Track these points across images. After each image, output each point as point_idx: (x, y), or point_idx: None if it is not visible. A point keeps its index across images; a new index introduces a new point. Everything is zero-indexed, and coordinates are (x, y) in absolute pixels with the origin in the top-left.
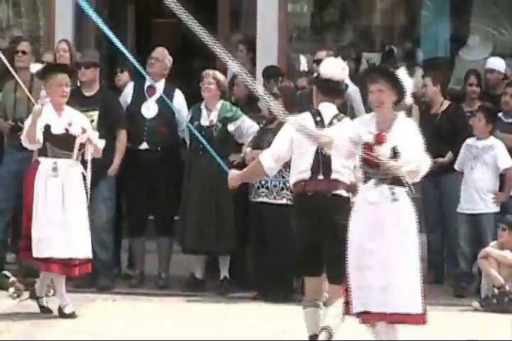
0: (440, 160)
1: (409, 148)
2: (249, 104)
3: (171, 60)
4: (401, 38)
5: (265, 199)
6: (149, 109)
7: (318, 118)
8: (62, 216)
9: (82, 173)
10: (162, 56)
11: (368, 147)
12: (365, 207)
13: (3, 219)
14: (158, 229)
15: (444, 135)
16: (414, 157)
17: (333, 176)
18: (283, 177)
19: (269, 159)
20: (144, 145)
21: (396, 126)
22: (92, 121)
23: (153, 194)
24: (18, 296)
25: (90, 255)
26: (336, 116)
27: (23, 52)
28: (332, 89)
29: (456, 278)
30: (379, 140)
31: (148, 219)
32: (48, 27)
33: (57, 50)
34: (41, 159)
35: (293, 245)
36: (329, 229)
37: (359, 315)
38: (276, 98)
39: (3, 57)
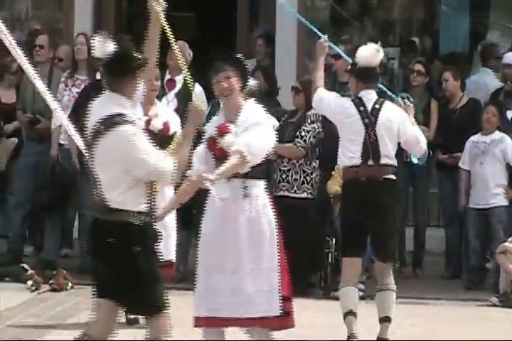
0: (459, 155)
1: (237, 140)
2: (267, 97)
3: (191, 53)
4: (420, 33)
5: (286, 193)
6: (169, 103)
7: (361, 107)
8: None
9: None
10: (182, 50)
11: (211, 141)
12: (216, 205)
13: (21, 211)
14: (178, 223)
15: (463, 129)
16: (239, 149)
17: (383, 161)
18: (304, 171)
19: None
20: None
21: (243, 114)
22: None
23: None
24: (36, 289)
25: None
26: (376, 102)
27: (41, 47)
28: (371, 76)
29: (467, 272)
30: (221, 131)
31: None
32: (67, 19)
33: (75, 43)
34: None
35: (312, 239)
36: (380, 211)
37: (207, 319)
38: (298, 92)
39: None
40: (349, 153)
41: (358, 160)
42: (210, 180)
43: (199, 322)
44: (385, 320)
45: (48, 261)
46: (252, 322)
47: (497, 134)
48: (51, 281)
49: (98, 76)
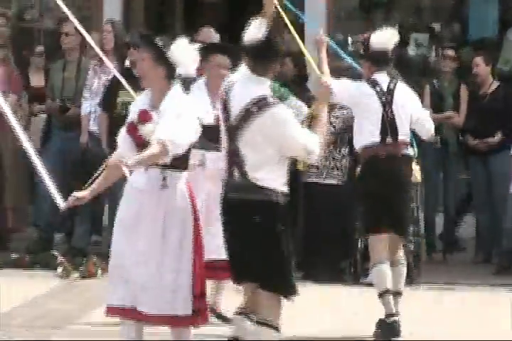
0: (490, 140)
1: (158, 128)
2: (297, 84)
3: (218, 38)
4: (449, 19)
5: (315, 180)
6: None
7: (377, 87)
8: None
9: None
10: (208, 38)
11: (131, 126)
12: (132, 195)
13: (51, 199)
14: None
15: (494, 115)
16: (160, 137)
17: (400, 138)
18: (333, 157)
19: None
20: None
21: (166, 102)
22: None
23: None
24: (66, 276)
25: None
26: (390, 82)
27: (67, 34)
28: (384, 60)
29: (498, 256)
30: (143, 118)
31: None
32: (96, 7)
33: (102, 31)
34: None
35: (342, 225)
36: (401, 185)
37: (119, 310)
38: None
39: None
40: (367, 132)
41: (377, 138)
42: (127, 166)
43: (111, 311)
44: (397, 294)
45: (78, 248)
46: (159, 319)
47: None
48: (81, 268)
49: (127, 63)
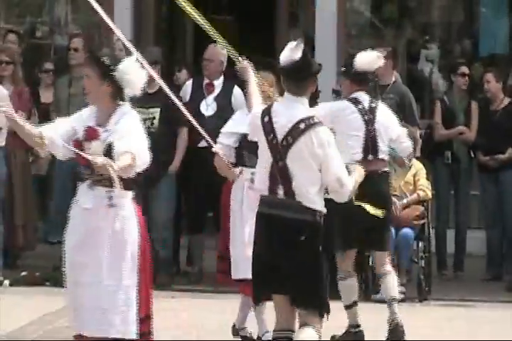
0: (500, 156)
1: (123, 142)
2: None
3: (226, 54)
4: (459, 35)
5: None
6: (208, 107)
7: (359, 105)
8: None
9: None
10: (213, 55)
11: (77, 143)
12: (79, 214)
13: (62, 215)
14: (217, 226)
15: (504, 131)
16: (129, 150)
17: (380, 156)
18: None
19: None
20: (203, 143)
21: (115, 119)
22: (154, 118)
23: (213, 191)
24: None
25: None
26: (371, 101)
27: (75, 50)
28: (365, 80)
29: (509, 274)
30: (89, 135)
31: (207, 217)
32: (106, 24)
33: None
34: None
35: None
36: (382, 201)
37: (76, 337)
38: (339, 95)
39: None
40: (350, 149)
41: (359, 156)
42: (113, 170)
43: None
44: (392, 300)
45: None
46: None
47: None
48: None
49: None
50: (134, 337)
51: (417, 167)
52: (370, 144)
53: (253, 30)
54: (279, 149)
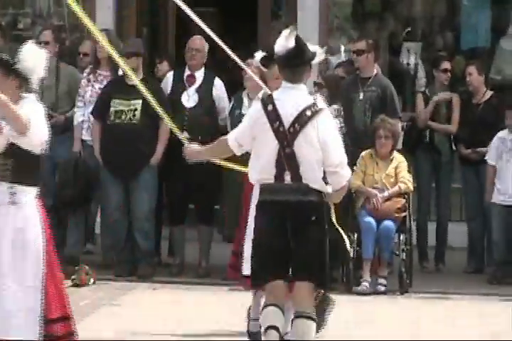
0: (482, 150)
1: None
2: None
3: (208, 46)
4: (441, 28)
5: None
6: (189, 98)
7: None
8: None
9: None
10: (201, 46)
11: None
12: None
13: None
14: (199, 217)
15: (486, 125)
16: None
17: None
18: None
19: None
20: (185, 135)
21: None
22: (135, 110)
23: (194, 183)
24: None
25: None
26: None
27: (46, 43)
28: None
29: (491, 267)
30: None
31: (189, 208)
32: (88, 16)
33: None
34: None
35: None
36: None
37: None
38: (321, 88)
39: None
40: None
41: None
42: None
43: None
44: None
45: (71, 257)
46: None
47: None
48: (73, 277)
49: (120, 72)
50: (38, 338)
51: (399, 159)
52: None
53: (236, 22)
54: (287, 136)
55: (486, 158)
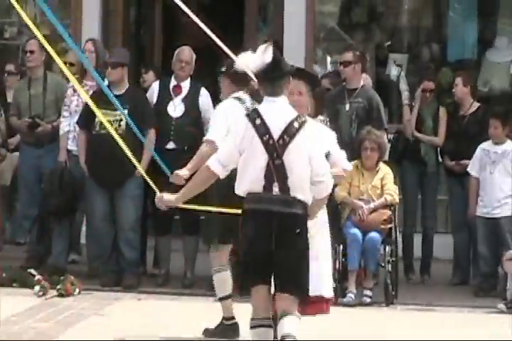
0: (466, 162)
1: None
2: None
3: (195, 57)
4: (428, 39)
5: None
6: (176, 108)
7: (245, 105)
8: None
9: None
10: (190, 58)
11: None
12: None
13: (29, 221)
14: (184, 228)
15: (472, 136)
16: None
17: None
18: None
19: None
20: (171, 145)
21: None
22: (121, 120)
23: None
24: (43, 294)
25: None
26: (252, 102)
27: (31, 52)
28: (245, 80)
29: (476, 279)
30: None
31: (175, 219)
32: (75, 25)
33: (84, 49)
34: None
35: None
36: None
37: None
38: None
39: None
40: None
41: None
42: None
43: None
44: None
45: (56, 267)
46: None
47: (509, 144)
48: (58, 287)
49: (106, 82)
50: None
51: (385, 171)
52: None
53: (222, 30)
54: (277, 148)
55: (468, 169)
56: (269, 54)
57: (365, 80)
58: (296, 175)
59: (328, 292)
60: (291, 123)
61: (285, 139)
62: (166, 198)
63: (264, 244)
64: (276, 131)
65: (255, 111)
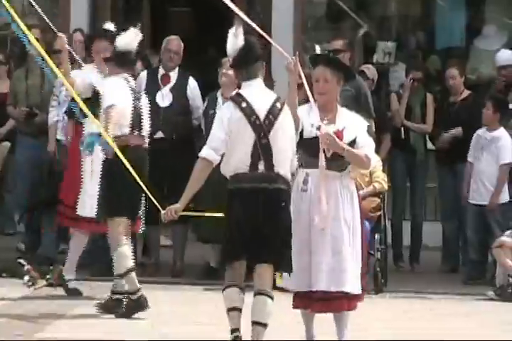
0: (445, 135)
1: None
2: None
3: (183, 46)
4: (416, 28)
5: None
6: (164, 98)
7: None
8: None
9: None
10: (179, 48)
11: None
12: None
13: (20, 208)
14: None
15: (461, 123)
16: None
17: (143, 133)
18: None
19: None
20: (159, 134)
21: None
22: None
23: (169, 182)
24: (32, 284)
25: None
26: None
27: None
28: (129, 61)
29: (466, 266)
30: None
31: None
32: (63, 16)
33: (74, 40)
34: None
35: None
36: None
37: None
38: (300, 87)
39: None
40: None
41: (127, 131)
42: None
43: None
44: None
45: (45, 257)
46: None
47: (499, 132)
48: (48, 277)
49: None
50: None
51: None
52: (137, 120)
53: (210, 21)
54: (263, 128)
55: (468, 156)
56: (241, 37)
57: (371, 71)
58: (280, 153)
59: (352, 288)
60: (274, 104)
61: (270, 119)
62: (172, 206)
63: (252, 220)
64: (261, 112)
65: (238, 95)
